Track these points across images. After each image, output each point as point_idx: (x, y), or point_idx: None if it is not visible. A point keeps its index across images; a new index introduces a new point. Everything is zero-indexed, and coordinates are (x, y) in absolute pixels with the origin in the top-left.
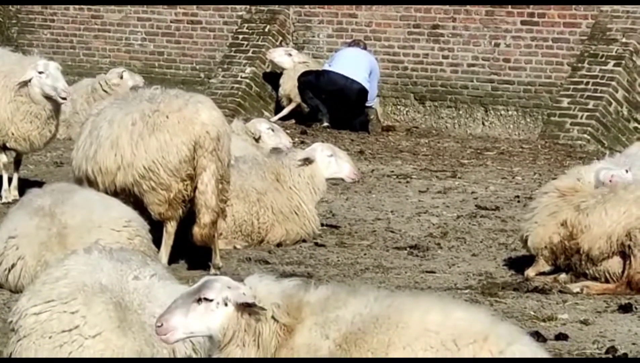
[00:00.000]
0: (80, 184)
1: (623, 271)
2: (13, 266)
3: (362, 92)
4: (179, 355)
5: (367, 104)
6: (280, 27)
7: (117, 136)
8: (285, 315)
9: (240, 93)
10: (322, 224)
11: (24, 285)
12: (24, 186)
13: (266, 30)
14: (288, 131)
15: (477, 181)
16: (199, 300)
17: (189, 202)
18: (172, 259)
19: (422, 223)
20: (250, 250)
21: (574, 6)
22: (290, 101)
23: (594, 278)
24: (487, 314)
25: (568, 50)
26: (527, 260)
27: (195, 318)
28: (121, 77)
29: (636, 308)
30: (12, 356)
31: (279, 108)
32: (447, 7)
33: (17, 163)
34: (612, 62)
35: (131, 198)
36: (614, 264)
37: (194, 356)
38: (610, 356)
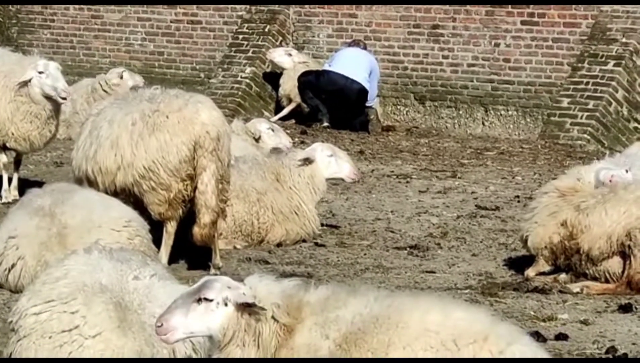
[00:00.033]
0: (80, 184)
1: (623, 271)
2: (13, 266)
3: (362, 92)
4: (179, 355)
5: (367, 104)
6: (280, 27)
7: (117, 136)
8: (285, 315)
9: (240, 93)
10: (322, 225)
11: (24, 285)
12: (24, 186)
13: (266, 30)
14: (288, 131)
15: (477, 181)
16: (199, 300)
17: (189, 202)
18: (172, 259)
19: (422, 223)
20: (250, 250)
21: (574, 6)
22: (290, 101)
23: (594, 278)
24: (487, 314)
25: (568, 50)
26: (527, 260)
27: (195, 318)
28: (121, 77)
29: (636, 308)
30: (12, 356)
31: (279, 108)
32: (447, 7)
33: (17, 163)
34: (612, 62)
35: (131, 198)
36: (614, 264)
37: (194, 356)
38: (610, 356)
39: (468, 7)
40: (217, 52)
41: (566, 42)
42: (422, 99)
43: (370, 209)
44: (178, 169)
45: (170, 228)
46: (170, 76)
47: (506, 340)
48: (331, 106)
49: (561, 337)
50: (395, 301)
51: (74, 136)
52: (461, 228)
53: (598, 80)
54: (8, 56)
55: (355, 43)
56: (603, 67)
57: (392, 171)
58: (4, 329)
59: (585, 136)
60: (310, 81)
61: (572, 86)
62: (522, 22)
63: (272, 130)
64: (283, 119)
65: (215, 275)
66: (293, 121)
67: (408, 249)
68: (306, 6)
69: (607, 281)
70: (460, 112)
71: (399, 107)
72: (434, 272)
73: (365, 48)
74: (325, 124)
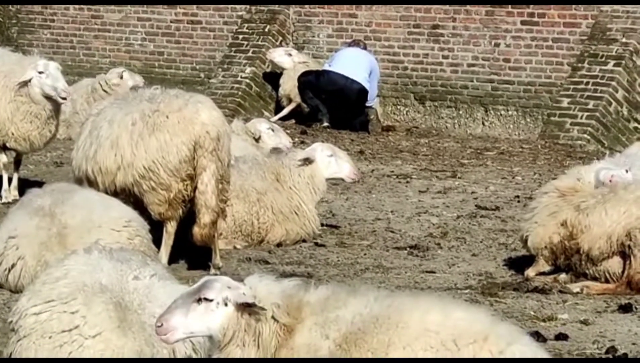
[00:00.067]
0: (80, 184)
1: (623, 271)
2: (13, 266)
3: (362, 92)
4: (179, 355)
5: (367, 104)
6: (280, 27)
7: (117, 136)
8: (285, 315)
9: (240, 93)
10: (322, 224)
11: (24, 285)
12: (24, 186)
13: (266, 30)
14: (288, 131)
15: (477, 181)
16: (199, 300)
17: (189, 202)
18: (172, 259)
19: (422, 223)
20: (250, 250)
21: (574, 6)
22: (290, 101)
23: (594, 278)
24: (487, 314)
25: (568, 50)
26: (527, 260)
27: (195, 318)
28: (121, 77)
29: (636, 308)
30: (12, 356)
31: (279, 108)
32: (447, 7)
33: (17, 163)
34: (612, 62)
35: (131, 198)
36: (614, 264)
37: (194, 356)
38: (610, 356)
39: (468, 7)
40: (217, 52)
41: (566, 42)
42: (422, 99)
43: (370, 210)
44: (178, 169)
45: (170, 228)
46: (170, 76)
47: (506, 340)
48: (331, 106)
49: (561, 337)
50: (395, 301)
51: (74, 136)
52: (461, 228)
53: (598, 80)
54: (8, 56)
55: (355, 43)
56: (603, 67)
57: (392, 171)
58: (4, 329)
59: (585, 136)
60: (310, 81)
61: (572, 86)
62: (522, 22)
63: (272, 130)
64: (283, 119)
65: (215, 275)
66: (293, 121)
67: (408, 249)
68: (306, 6)
69: (607, 281)
70: (460, 112)
71: (399, 107)
72: (434, 272)
73: (365, 48)
74: (325, 124)
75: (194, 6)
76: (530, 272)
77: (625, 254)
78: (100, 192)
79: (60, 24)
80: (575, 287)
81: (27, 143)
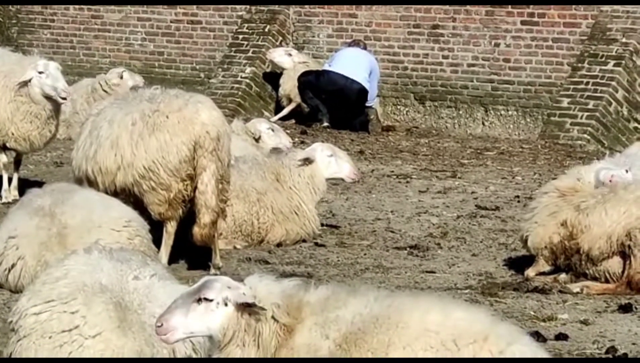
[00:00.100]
0: (80, 184)
1: (623, 271)
2: (13, 266)
3: (362, 92)
4: (179, 355)
5: (367, 104)
6: (280, 27)
7: (117, 136)
8: (285, 315)
9: (240, 93)
10: (322, 224)
11: (24, 285)
12: (24, 186)
13: (266, 30)
14: (288, 131)
15: (477, 181)
16: (199, 300)
17: (189, 202)
18: (172, 259)
19: (422, 223)
20: (250, 250)
21: (574, 6)
22: (290, 101)
23: (594, 278)
24: (487, 314)
25: (568, 50)
26: (527, 260)
27: (195, 318)
28: (121, 77)
29: (636, 308)
30: (12, 356)
31: (279, 108)
32: (447, 7)
33: (17, 163)
34: (612, 62)
35: (131, 198)
36: (614, 264)
37: (194, 356)
38: (610, 356)
39: (468, 7)
40: (217, 52)
41: (566, 42)
42: (422, 99)
43: (370, 209)
44: (178, 169)
45: (170, 228)
46: (170, 76)
47: (506, 340)
48: (331, 106)
49: (561, 337)
50: (395, 301)
51: (74, 136)
52: (461, 228)
53: (598, 80)
54: (8, 55)
55: (355, 43)
56: (603, 67)
57: (392, 171)
58: (4, 329)
59: (585, 136)
60: (310, 81)
61: (572, 86)
62: (522, 22)
63: (272, 130)
64: (283, 119)
65: (215, 275)
66: (293, 121)
67: (408, 249)
68: (306, 6)
69: (607, 281)
70: (460, 112)
71: (399, 107)
72: (434, 272)
73: (365, 48)
74: (325, 124)
75: (194, 6)
76: (530, 272)
77: (625, 254)
78: (100, 192)
79: (60, 24)
80: (575, 287)
81: (27, 143)
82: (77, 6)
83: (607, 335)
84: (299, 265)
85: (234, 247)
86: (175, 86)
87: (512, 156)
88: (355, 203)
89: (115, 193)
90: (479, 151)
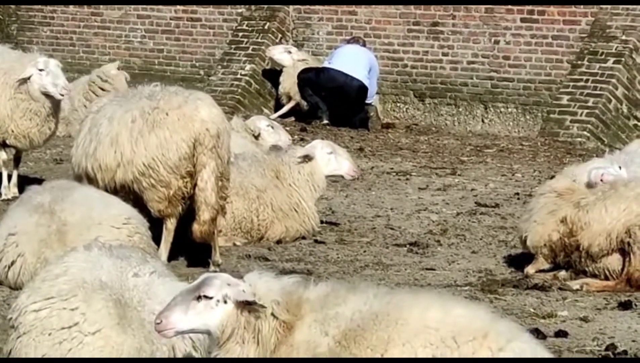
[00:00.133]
0: (80, 181)
1: (623, 269)
2: (13, 263)
3: (362, 89)
4: (178, 353)
5: (366, 102)
6: (279, 24)
7: (117, 133)
8: (284, 312)
9: (239, 90)
10: (322, 222)
11: (23, 282)
12: (24, 183)
13: (266, 27)
14: (288, 129)
15: (477, 179)
16: (199, 298)
17: (188, 199)
18: (172, 256)
19: (421, 220)
20: (249, 247)
21: (573, 4)
22: (289, 98)
23: (594, 275)
24: (487, 311)
25: (568, 47)
26: (527, 257)
27: (195, 316)
28: (118, 68)
29: (636, 305)
30: (12, 353)
31: (278, 105)
32: (446, 4)
33: (17, 160)
34: (612, 59)
35: (131, 195)
36: (614, 261)
37: (194, 353)
38: (609, 353)
39: (468, 4)
40: (217, 49)
41: (566, 40)
42: (421, 96)
43: (369, 207)
44: (178, 166)
45: (170, 225)
46: (169, 73)
47: (506, 337)
48: (331, 103)
49: (561, 334)
50: (395, 298)
51: (74, 134)
52: (461, 225)
53: (598, 77)
54: (8, 53)
55: (354, 40)
56: (603, 65)
57: (392, 169)
58: (3, 326)
59: (585, 133)
60: (310, 78)
61: (571, 84)
62: (522, 20)
63: (272, 127)
64: (283, 116)
65: (215, 272)
66: (293, 118)
67: (408, 246)
68: (306, 4)
69: (606, 278)
70: (460, 109)
71: (398, 104)
72: (433, 269)
73: (364, 45)
74: (325, 121)
75: (194, 4)
76: (529, 269)
77: (624, 251)
78: (100, 189)
79: (60, 22)
80: (575, 284)
81: (26, 140)
82: (76, 4)
83: (606, 332)
84: (298, 262)
85: (234, 244)
86: (175, 83)
87: (512, 153)
88: (354, 200)
89: (115, 190)
90: (478, 148)
